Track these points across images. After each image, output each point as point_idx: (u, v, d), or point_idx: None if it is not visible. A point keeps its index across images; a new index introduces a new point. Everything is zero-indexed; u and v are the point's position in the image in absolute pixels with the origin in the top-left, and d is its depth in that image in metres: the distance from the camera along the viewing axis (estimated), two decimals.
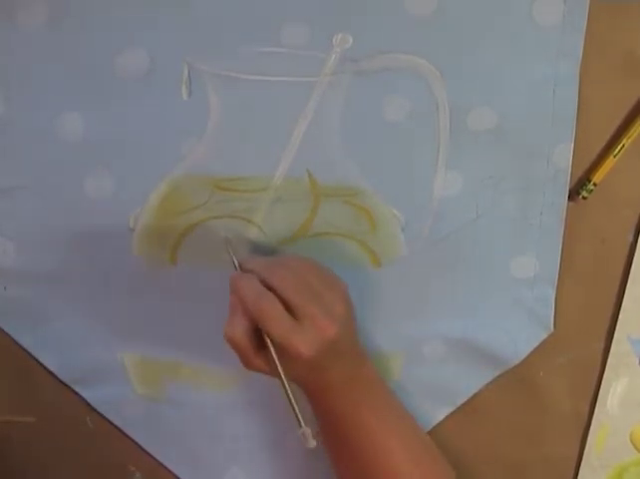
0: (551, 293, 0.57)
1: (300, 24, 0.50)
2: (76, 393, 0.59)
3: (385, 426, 0.52)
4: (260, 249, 0.55)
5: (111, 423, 0.60)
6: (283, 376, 0.47)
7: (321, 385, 0.50)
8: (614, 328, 0.58)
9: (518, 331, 0.58)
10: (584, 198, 0.55)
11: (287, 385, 0.47)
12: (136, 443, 0.61)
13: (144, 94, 0.51)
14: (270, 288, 0.47)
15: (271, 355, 0.47)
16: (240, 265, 0.51)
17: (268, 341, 0.47)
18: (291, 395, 0.47)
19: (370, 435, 0.52)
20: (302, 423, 0.47)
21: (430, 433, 0.60)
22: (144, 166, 0.53)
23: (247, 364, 0.48)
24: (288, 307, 0.47)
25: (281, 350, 0.46)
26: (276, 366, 0.47)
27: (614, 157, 0.54)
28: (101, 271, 0.55)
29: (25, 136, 0.51)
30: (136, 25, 0.49)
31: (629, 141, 0.53)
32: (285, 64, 0.50)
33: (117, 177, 0.53)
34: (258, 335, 0.47)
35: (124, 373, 0.59)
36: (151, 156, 0.52)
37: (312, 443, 0.47)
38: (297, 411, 0.47)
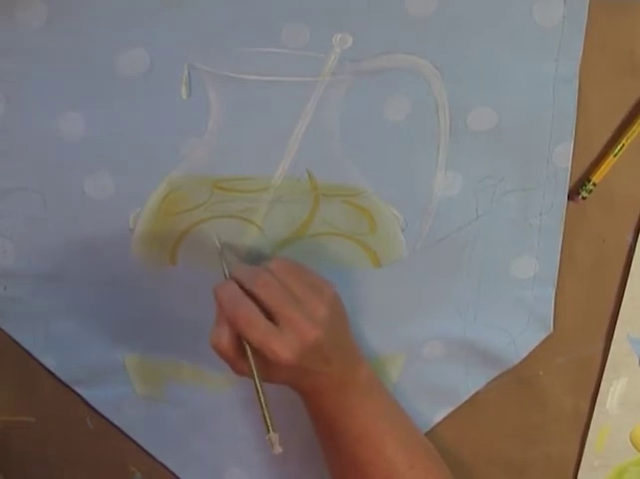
0: (551, 293, 0.57)
1: (300, 24, 0.50)
2: (76, 393, 0.59)
3: (380, 430, 0.52)
4: (256, 254, 0.55)
5: (111, 423, 0.60)
6: (257, 381, 0.47)
7: (313, 390, 0.50)
8: (614, 328, 0.58)
9: (518, 331, 0.58)
10: (584, 198, 0.55)
11: (261, 390, 0.47)
12: (136, 443, 0.61)
13: (144, 94, 0.51)
14: (252, 294, 0.47)
15: (248, 360, 0.47)
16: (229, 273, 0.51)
17: (247, 346, 0.47)
18: (263, 400, 0.47)
19: (364, 438, 0.52)
20: (271, 429, 0.46)
21: (429, 433, 0.60)
22: (144, 166, 0.52)
23: (234, 370, 0.48)
24: (269, 313, 0.47)
25: (261, 355, 0.46)
26: (258, 372, 0.47)
27: (614, 157, 0.54)
28: (101, 272, 0.55)
29: (25, 136, 0.51)
30: (136, 25, 0.49)
31: (629, 141, 0.53)
32: (285, 64, 0.50)
33: (117, 177, 0.53)
34: (242, 342, 0.47)
35: (124, 373, 0.59)
36: (150, 156, 0.52)
37: (278, 450, 0.46)
38: (267, 416, 0.47)
